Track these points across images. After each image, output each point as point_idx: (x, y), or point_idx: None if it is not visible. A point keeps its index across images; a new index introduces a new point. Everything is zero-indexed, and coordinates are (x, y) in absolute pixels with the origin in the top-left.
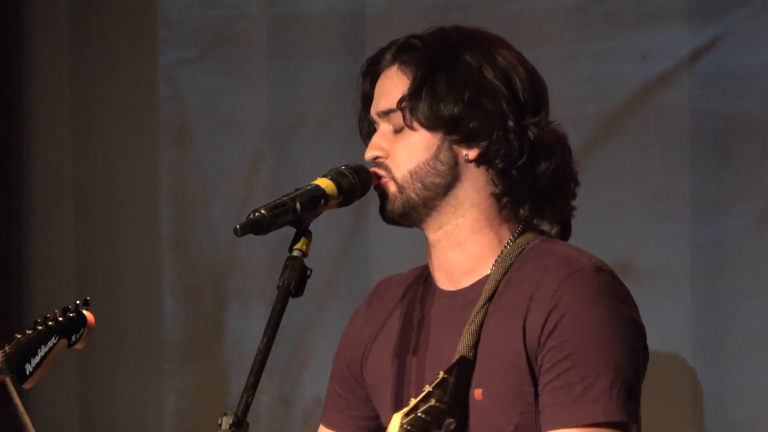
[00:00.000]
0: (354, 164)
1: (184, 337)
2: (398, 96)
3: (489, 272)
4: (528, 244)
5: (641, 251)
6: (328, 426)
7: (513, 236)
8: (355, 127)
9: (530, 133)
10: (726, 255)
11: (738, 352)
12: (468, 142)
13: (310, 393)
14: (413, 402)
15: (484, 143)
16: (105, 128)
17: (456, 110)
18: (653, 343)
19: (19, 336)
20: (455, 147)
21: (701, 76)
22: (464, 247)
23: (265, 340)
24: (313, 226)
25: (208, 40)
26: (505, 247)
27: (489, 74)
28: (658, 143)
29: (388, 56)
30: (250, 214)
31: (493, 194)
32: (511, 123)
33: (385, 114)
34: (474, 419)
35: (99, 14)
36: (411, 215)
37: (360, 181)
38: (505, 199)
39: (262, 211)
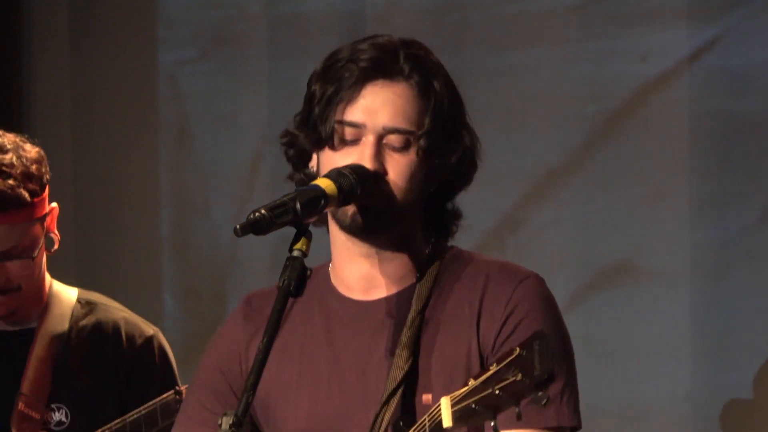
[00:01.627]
0: (354, 164)
1: (184, 337)
2: (415, 119)
3: (413, 281)
4: (445, 253)
5: (641, 251)
6: None
7: (429, 246)
8: None
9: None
10: (726, 255)
11: (738, 352)
12: (447, 176)
13: None
14: (472, 383)
15: (457, 181)
16: (105, 128)
17: (461, 154)
18: (653, 342)
19: None
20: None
21: (701, 76)
22: (393, 258)
23: (265, 340)
24: (313, 226)
25: (208, 40)
26: (427, 256)
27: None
28: (658, 143)
29: (388, 68)
30: (250, 214)
31: (426, 216)
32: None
33: (394, 132)
34: None
35: (99, 14)
36: (382, 233)
37: (360, 182)
38: (437, 223)
39: (262, 211)
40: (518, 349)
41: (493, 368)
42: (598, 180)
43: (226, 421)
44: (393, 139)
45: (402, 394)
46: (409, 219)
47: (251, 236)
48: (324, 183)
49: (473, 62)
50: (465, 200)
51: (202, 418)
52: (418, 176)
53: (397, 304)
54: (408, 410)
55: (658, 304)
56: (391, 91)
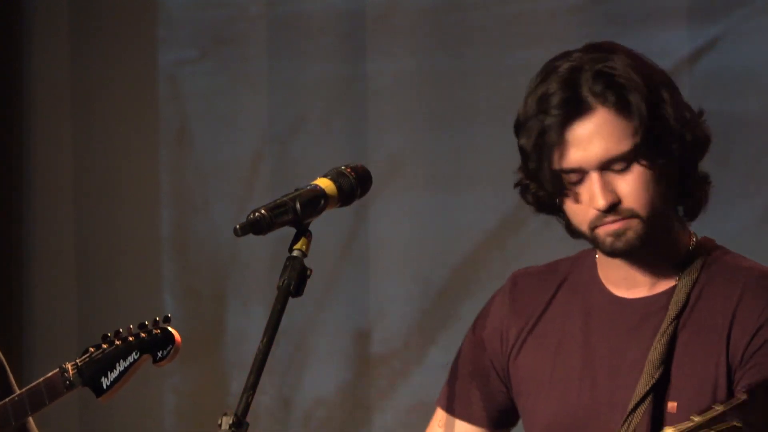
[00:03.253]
0: (354, 164)
1: (183, 337)
2: (625, 135)
3: (674, 283)
4: (709, 255)
5: None
6: (458, 415)
7: (690, 245)
8: (355, 126)
9: None
10: None
11: None
12: (681, 160)
13: (310, 393)
14: (697, 420)
15: (692, 153)
16: (105, 128)
17: (681, 134)
18: None
19: (92, 349)
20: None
21: (701, 76)
22: (654, 256)
23: (265, 340)
24: (313, 226)
25: (208, 40)
26: (689, 254)
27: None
28: None
29: (579, 104)
30: (250, 215)
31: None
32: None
33: (611, 161)
34: None
35: (99, 14)
36: (641, 249)
37: (360, 182)
38: (687, 197)
39: (262, 211)
40: (744, 395)
41: (719, 408)
42: None
43: (226, 421)
44: (614, 166)
45: (650, 401)
46: (661, 218)
47: (251, 236)
48: (324, 183)
49: (473, 62)
50: (465, 201)
51: (470, 394)
52: (653, 183)
53: (655, 305)
54: (655, 417)
55: None
56: (592, 124)
